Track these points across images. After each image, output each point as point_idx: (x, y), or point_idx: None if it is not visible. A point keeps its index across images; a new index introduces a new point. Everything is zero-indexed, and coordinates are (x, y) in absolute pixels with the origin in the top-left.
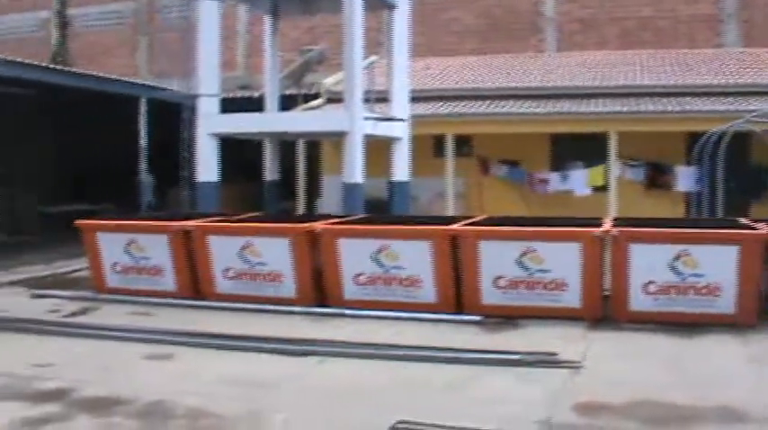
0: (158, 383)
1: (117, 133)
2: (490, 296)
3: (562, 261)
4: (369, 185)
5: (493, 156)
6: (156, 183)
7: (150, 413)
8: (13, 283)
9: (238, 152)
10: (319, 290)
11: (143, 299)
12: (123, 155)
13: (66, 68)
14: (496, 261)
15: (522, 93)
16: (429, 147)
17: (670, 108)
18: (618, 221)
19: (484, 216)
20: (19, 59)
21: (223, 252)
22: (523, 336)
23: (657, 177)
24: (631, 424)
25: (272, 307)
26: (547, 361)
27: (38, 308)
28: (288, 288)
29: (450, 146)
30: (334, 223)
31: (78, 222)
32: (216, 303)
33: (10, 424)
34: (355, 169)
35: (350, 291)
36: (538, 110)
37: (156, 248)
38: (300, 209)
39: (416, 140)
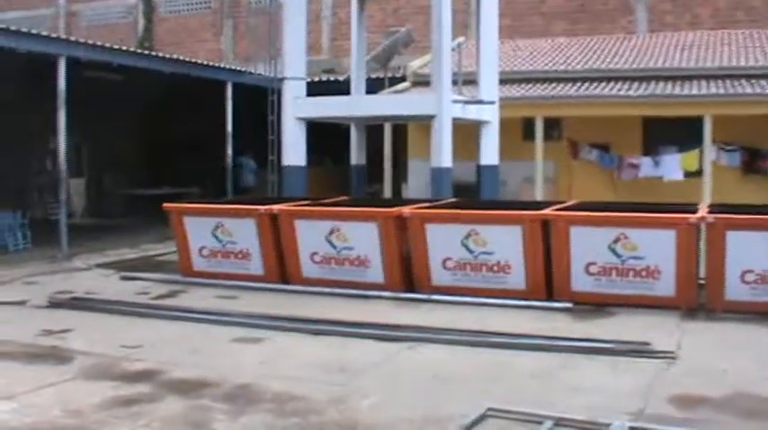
0: (246, 367)
1: (204, 118)
2: (581, 283)
3: (656, 248)
4: (457, 169)
5: (583, 139)
6: (256, 166)
7: (238, 396)
8: (101, 266)
9: (325, 136)
10: (407, 275)
11: (229, 282)
12: (210, 139)
13: (153, 53)
14: (588, 247)
15: (613, 75)
16: (518, 131)
17: None
18: (714, 208)
19: (574, 201)
20: (108, 44)
21: (310, 236)
22: (615, 325)
23: (754, 162)
24: (729, 417)
25: (358, 292)
26: (640, 350)
27: (127, 290)
28: (375, 273)
29: (539, 129)
30: (421, 208)
31: (166, 205)
32: (302, 287)
33: (101, 403)
34: (443, 153)
35: (438, 276)
36: (630, 92)
37: (243, 232)
38: (387, 193)
39: (505, 123)
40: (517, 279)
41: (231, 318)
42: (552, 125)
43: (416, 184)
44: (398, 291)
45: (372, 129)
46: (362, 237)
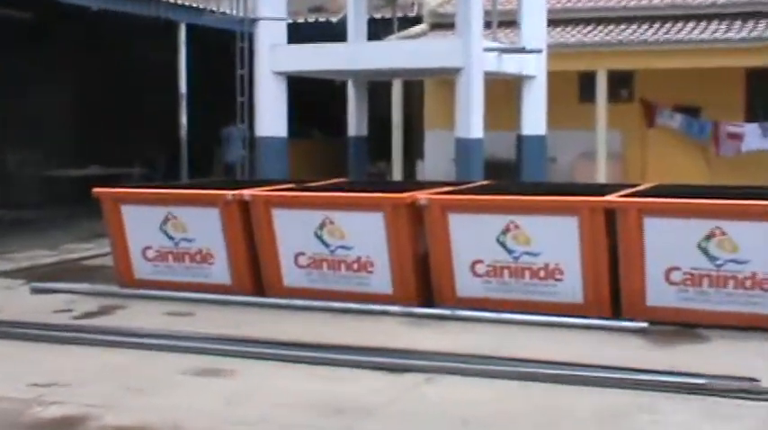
0: (207, 408)
1: (149, 74)
2: (660, 295)
3: (765, 249)
4: (490, 142)
5: (663, 100)
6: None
7: None
8: (7, 274)
9: (313, 98)
10: (424, 283)
11: (184, 294)
12: (159, 103)
13: None
14: (669, 246)
15: (706, 11)
16: (573, 89)
17: None
18: None
19: (650, 184)
20: None
21: (294, 231)
22: (708, 353)
23: None
24: None
25: (359, 305)
26: (745, 389)
27: (42, 306)
28: (381, 280)
29: (602, 86)
30: (443, 193)
31: (97, 191)
32: (283, 300)
33: None
34: (472, 120)
35: (465, 284)
36: (730, 35)
37: (203, 227)
38: (396, 174)
39: (555, 79)
40: (572, 289)
41: (186, 343)
42: (620, 81)
43: (435, 163)
44: (412, 305)
45: (377, 88)
46: (364, 233)
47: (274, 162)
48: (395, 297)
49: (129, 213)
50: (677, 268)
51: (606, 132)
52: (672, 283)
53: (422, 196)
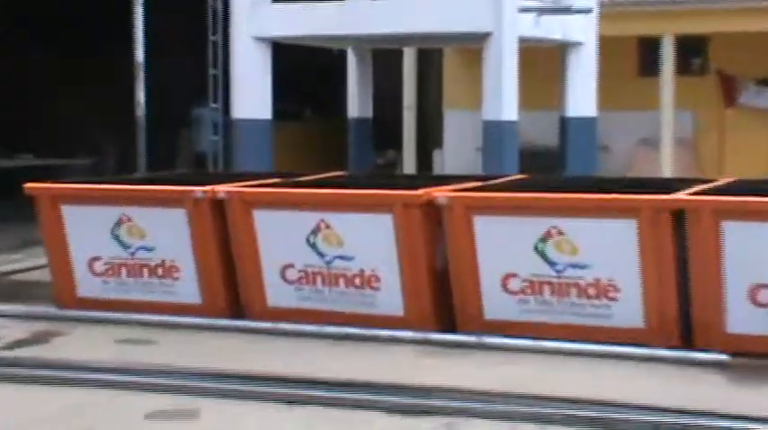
0: None
1: (97, 39)
2: (743, 319)
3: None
4: (526, 125)
5: (745, 73)
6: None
7: None
8: None
9: (304, 72)
10: (443, 302)
11: (142, 316)
12: (108, 74)
13: None
14: (756, 257)
15: None
16: (631, 60)
17: None
18: None
19: (729, 178)
20: None
21: (280, 238)
22: None
23: None
24: None
25: (363, 331)
26: None
27: None
28: (390, 299)
29: (668, 56)
30: (467, 189)
31: (30, 186)
32: (267, 324)
33: None
34: (503, 98)
35: (495, 304)
36: None
37: (166, 232)
38: (409, 165)
39: (609, 47)
40: (630, 310)
41: (145, 378)
42: (692, 49)
43: (457, 152)
44: (428, 330)
45: (384, 58)
46: (368, 239)
47: (256, 150)
48: (407, 320)
49: (72, 215)
50: (766, 285)
51: (673, 113)
52: (760, 305)
53: (440, 193)
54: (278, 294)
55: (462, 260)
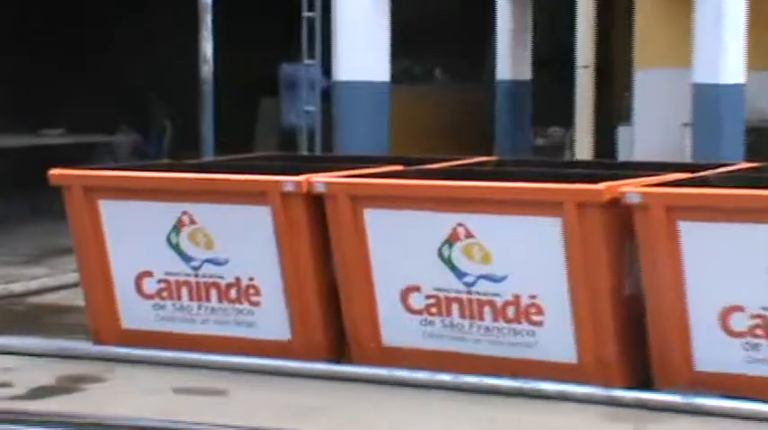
0: None
1: None
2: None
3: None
4: (754, 91)
5: None
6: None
7: None
8: None
9: (430, 15)
10: (634, 345)
11: (209, 358)
12: (159, 23)
13: None
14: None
15: None
16: None
17: None
18: None
19: None
20: None
21: (402, 249)
22: None
23: None
24: None
25: (518, 383)
26: None
27: None
28: (556, 339)
29: None
30: (668, 184)
31: (56, 173)
32: (383, 370)
33: None
34: (724, 54)
35: (712, 350)
36: None
37: (244, 238)
38: (583, 148)
39: None
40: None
41: None
42: None
43: (653, 127)
44: (613, 385)
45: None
46: (526, 252)
47: (367, 125)
48: (582, 369)
49: (114, 214)
50: None
51: None
52: None
53: (631, 188)
54: (397, 328)
55: (665, 286)
